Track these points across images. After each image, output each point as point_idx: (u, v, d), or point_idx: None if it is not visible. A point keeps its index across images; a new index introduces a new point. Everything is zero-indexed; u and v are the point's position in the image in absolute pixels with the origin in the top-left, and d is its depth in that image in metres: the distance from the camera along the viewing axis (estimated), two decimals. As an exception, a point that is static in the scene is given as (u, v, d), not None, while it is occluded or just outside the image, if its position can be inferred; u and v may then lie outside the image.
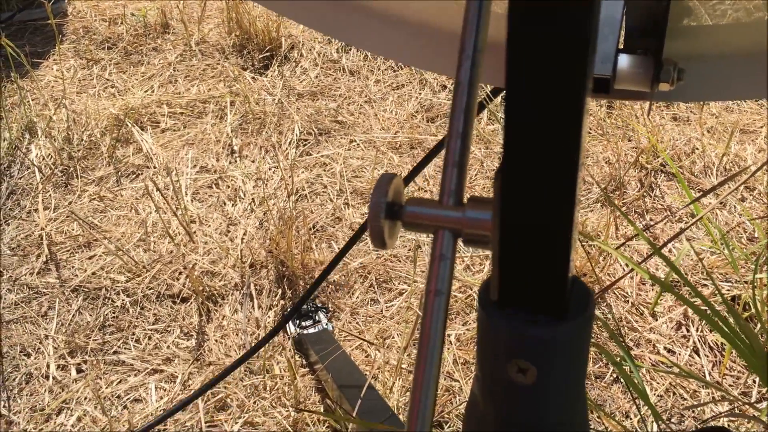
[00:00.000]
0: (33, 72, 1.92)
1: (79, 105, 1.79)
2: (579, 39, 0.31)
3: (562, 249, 0.36)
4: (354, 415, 0.90)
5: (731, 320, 0.67)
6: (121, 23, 2.18)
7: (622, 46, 0.53)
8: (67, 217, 1.46)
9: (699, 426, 0.93)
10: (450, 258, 0.41)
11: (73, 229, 1.43)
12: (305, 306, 1.25)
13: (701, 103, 1.59)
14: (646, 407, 0.93)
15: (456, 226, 0.40)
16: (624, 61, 0.53)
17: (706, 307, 0.67)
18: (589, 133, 1.56)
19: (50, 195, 1.53)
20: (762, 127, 1.59)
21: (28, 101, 1.80)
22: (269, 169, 1.58)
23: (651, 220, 1.37)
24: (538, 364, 0.38)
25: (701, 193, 1.39)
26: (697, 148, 1.52)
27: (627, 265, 1.22)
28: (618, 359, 0.76)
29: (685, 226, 1.33)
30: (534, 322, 0.38)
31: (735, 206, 1.37)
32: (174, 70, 1.96)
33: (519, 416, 0.40)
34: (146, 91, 1.87)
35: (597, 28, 0.33)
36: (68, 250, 1.38)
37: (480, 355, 0.41)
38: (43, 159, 1.63)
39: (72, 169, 1.60)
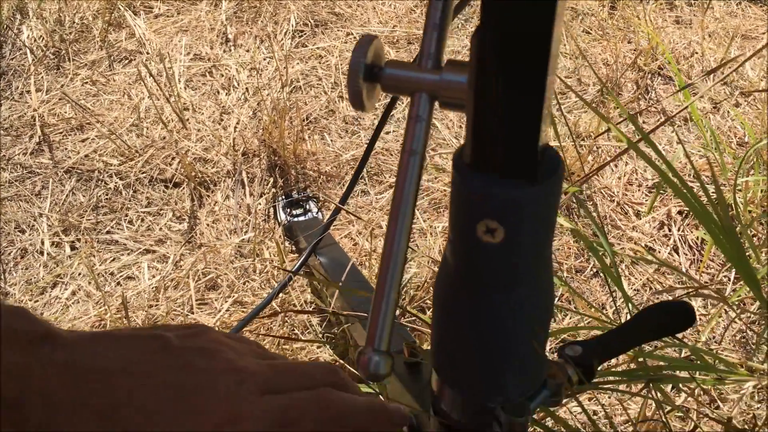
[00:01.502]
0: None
1: (71, -14, 1.75)
2: None
3: (533, 115, 0.37)
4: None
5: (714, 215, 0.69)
6: None
7: None
8: (60, 99, 1.46)
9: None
10: (426, 120, 0.42)
11: (65, 112, 1.43)
12: (296, 194, 1.27)
13: (705, 5, 1.56)
14: (622, 299, 0.96)
15: (433, 89, 0.41)
16: None
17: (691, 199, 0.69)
18: (589, 32, 1.54)
19: (42, 77, 1.52)
20: (764, 33, 1.56)
21: (18, -19, 1.75)
22: (264, 59, 1.56)
23: (644, 122, 1.37)
24: (506, 224, 0.40)
25: (695, 95, 1.38)
26: (696, 52, 1.50)
27: (614, 161, 1.24)
28: (600, 253, 0.79)
29: (677, 128, 1.34)
30: (504, 184, 0.39)
31: (729, 111, 1.37)
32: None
33: (486, 275, 0.42)
34: (139, -25, 1.81)
35: None
36: (61, 132, 1.39)
37: (452, 218, 0.43)
38: (35, 41, 1.61)
39: (64, 51, 1.58)
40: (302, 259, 0.98)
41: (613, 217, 1.19)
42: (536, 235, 0.41)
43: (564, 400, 0.66)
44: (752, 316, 0.99)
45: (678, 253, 1.13)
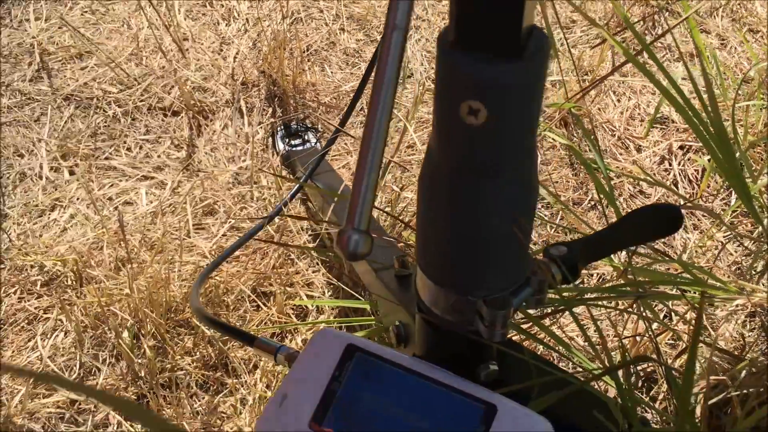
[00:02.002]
0: None
1: None
2: None
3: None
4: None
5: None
6: None
7: None
8: (59, 27, 1.44)
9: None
10: (399, 26, 0.41)
11: (64, 40, 1.41)
12: (295, 125, 1.26)
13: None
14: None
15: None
16: None
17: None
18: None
19: (41, 5, 1.50)
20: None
21: None
22: (265, -10, 1.54)
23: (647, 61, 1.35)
24: (489, 104, 0.39)
25: (703, 31, 1.36)
26: (706, -11, 1.47)
27: (616, 96, 1.22)
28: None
29: (674, 68, 1.32)
30: (486, 62, 0.39)
31: (736, 47, 1.34)
32: None
33: (468, 159, 0.42)
34: None
35: None
36: (60, 60, 1.38)
37: (436, 102, 0.42)
38: (33, -31, 1.58)
39: (63, -20, 1.56)
40: (295, 188, 0.98)
41: (613, 151, 1.18)
42: (520, 118, 0.41)
43: (555, 313, 0.66)
44: (745, 240, 0.99)
45: (677, 187, 1.12)
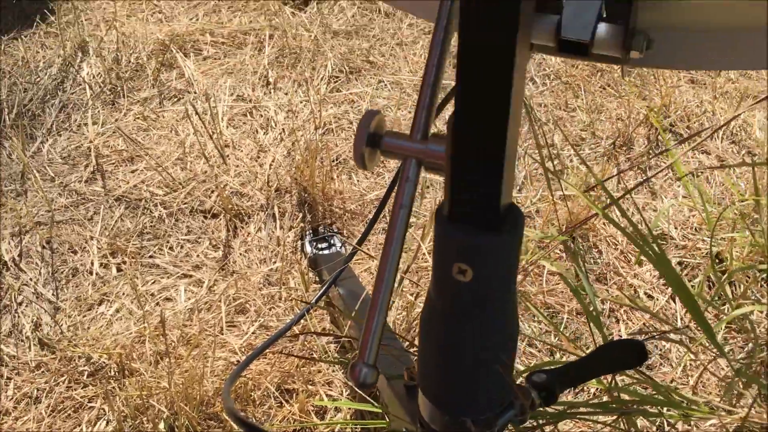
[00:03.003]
0: (87, -6, 2.03)
1: (129, 28, 1.91)
2: (506, 46, 0.41)
3: (495, 180, 0.47)
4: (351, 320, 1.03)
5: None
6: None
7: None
8: (114, 132, 1.60)
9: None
10: (414, 181, 0.52)
11: (118, 145, 1.57)
12: (322, 230, 1.37)
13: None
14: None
15: (420, 156, 0.51)
16: (601, 29, 0.61)
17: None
18: (604, 89, 1.63)
19: (99, 111, 1.67)
20: (775, 95, 1.64)
21: (82, 21, 1.92)
22: (300, 102, 1.69)
23: (652, 178, 1.45)
24: (474, 266, 0.50)
25: (703, 152, 1.46)
26: (707, 111, 1.58)
27: (608, 221, 1.32)
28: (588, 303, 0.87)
29: (683, 183, 1.42)
30: (473, 234, 0.49)
31: (734, 169, 1.44)
32: (218, 0, 2.06)
33: (458, 307, 0.52)
34: (191, 19, 1.97)
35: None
36: (113, 163, 1.52)
37: (434, 261, 0.53)
38: (93, 77, 1.76)
39: (119, 88, 1.73)
40: (323, 290, 1.08)
41: (615, 264, 1.27)
42: (500, 276, 0.51)
43: (545, 425, 0.75)
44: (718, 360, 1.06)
45: (675, 301, 1.20)
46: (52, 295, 1.24)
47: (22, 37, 1.89)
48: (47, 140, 1.58)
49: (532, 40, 0.60)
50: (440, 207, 0.51)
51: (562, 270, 1.01)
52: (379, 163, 1.51)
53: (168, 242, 1.35)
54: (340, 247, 1.34)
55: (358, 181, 1.49)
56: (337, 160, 1.53)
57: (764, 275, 1.10)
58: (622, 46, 0.61)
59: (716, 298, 1.18)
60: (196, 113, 1.60)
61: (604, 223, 1.34)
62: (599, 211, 0.77)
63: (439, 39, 0.51)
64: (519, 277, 1.11)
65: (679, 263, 1.26)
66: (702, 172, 1.42)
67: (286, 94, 1.71)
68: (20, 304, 1.22)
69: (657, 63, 0.72)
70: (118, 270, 1.29)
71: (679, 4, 0.65)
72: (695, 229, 1.32)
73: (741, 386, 0.83)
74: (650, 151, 1.50)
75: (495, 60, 0.43)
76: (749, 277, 1.13)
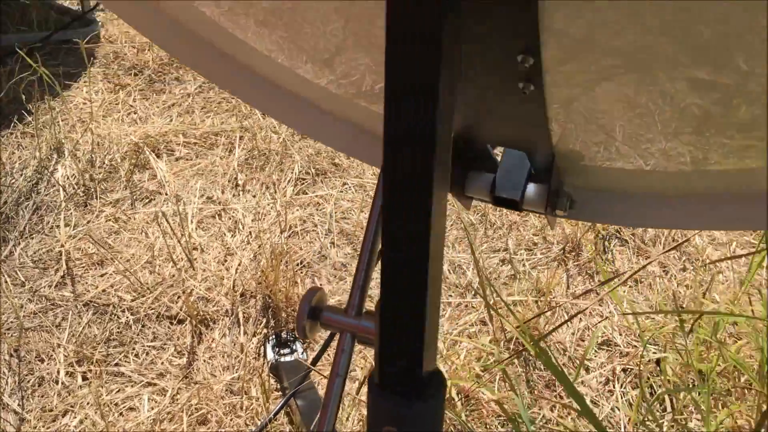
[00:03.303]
0: (64, 94, 2.11)
1: (104, 129, 1.98)
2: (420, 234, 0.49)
3: (418, 356, 0.54)
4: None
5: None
6: (148, 50, 2.38)
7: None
8: (85, 234, 1.65)
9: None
10: (348, 352, 0.58)
11: (89, 248, 1.62)
12: (285, 335, 1.42)
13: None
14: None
15: (354, 330, 0.58)
16: (530, 189, 0.69)
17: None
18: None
19: (71, 213, 1.72)
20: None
21: (58, 122, 1.99)
22: (268, 204, 1.76)
23: (599, 281, 1.54)
24: (402, 429, 0.56)
25: (647, 260, 1.55)
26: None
27: (568, 317, 1.39)
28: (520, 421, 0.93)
29: (630, 288, 1.50)
30: (399, 401, 0.56)
31: (675, 275, 1.53)
32: (192, 101, 2.15)
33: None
34: (166, 120, 2.05)
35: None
36: (83, 267, 1.57)
37: (367, 422, 0.59)
38: (68, 179, 1.82)
39: (92, 189, 1.79)
40: (279, 405, 1.13)
41: (564, 370, 1.33)
42: (424, 438, 0.57)
43: None
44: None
45: (619, 410, 1.27)
46: (18, 405, 1.27)
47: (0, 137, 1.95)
48: (19, 243, 1.62)
49: (468, 194, 0.68)
50: (372, 375, 0.57)
51: (498, 397, 1.07)
52: (350, 262, 1.58)
53: (134, 349, 1.39)
54: (302, 353, 1.38)
55: (321, 284, 1.55)
56: (301, 263, 1.60)
57: (696, 394, 1.17)
58: (548, 205, 0.69)
59: (650, 416, 1.25)
60: (166, 220, 1.66)
61: (552, 323, 1.41)
62: (530, 347, 0.84)
63: (372, 229, 0.58)
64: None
65: (623, 370, 1.33)
66: (646, 278, 1.51)
67: (254, 196, 1.79)
68: (-15, 415, 1.25)
69: (583, 218, 0.81)
70: (84, 379, 1.32)
71: (596, 169, 0.74)
72: (638, 335, 1.39)
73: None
74: (598, 257, 1.59)
75: (412, 262, 0.50)
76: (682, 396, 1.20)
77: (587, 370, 1.34)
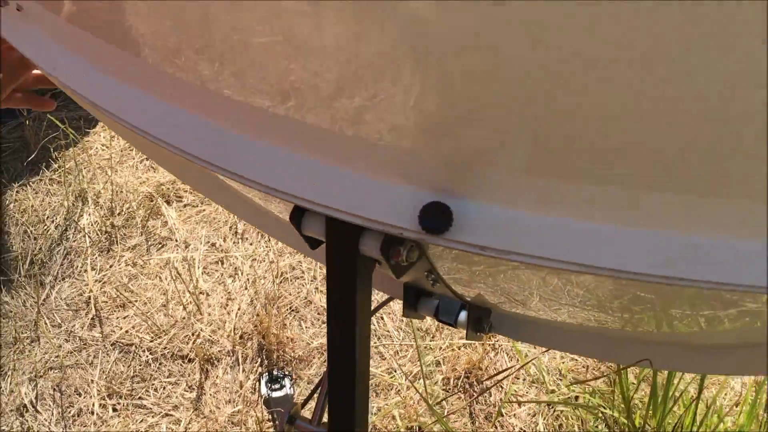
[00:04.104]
0: (83, 140, 2.41)
1: (120, 177, 2.29)
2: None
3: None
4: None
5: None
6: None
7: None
8: (109, 278, 1.96)
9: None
10: (310, 449, 0.90)
11: (112, 291, 1.93)
12: (276, 372, 1.75)
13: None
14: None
15: (313, 436, 0.90)
16: (462, 315, 0.99)
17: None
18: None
19: (96, 257, 2.03)
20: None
21: (81, 171, 2.30)
22: (263, 251, 2.07)
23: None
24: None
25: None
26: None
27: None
28: None
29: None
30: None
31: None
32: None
33: None
34: (174, 168, 2.35)
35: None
36: (109, 309, 1.89)
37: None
38: (92, 225, 2.13)
39: (114, 236, 2.10)
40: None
41: (499, 403, 1.66)
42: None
43: None
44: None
45: (540, 440, 1.59)
46: (62, 433, 1.59)
47: (30, 184, 2.26)
48: (54, 287, 1.94)
49: (420, 312, 0.99)
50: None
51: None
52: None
53: (153, 384, 1.71)
54: (290, 388, 1.71)
55: (306, 328, 1.87)
56: (290, 307, 1.92)
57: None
58: (473, 328, 1.00)
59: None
60: (176, 269, 1.97)
61: (495, 367, 1.73)
62: (440, 419, 1.16)
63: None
64: None
65: (548, 405, 1.66)
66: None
67: (251, 244, 2.10)
68: (38, 441, 1.57)
69: (500, 333, 1.13)
70: (114, 410, 1.65)
71: (501, 312, 1.04)
72: (562, 374, 1.71)
73: None
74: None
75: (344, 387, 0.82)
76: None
77: (519, 405, 1.67)
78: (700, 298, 0.61)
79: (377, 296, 1.40)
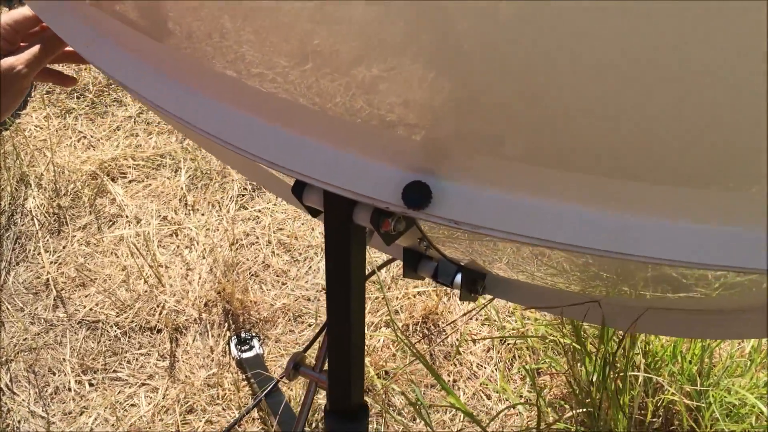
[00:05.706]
0: (15, 122, 2.38)
1: (61, 157, 2.28)
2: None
3: (347, 395, 0.96)
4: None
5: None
6: (86, 70, 2.64)
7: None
8: (65, 258, 1.98)
9: None
10: (312, 393, 1.00)
11: (70, 272, 1.96)
12: (244, 334, 1.83)
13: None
14: None
15: (316, 380, 1.00)
16: (458, 277, 1.10)
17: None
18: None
19: (48, 240, 2.04)
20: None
21: (19, 154, 2.27)
22: (215, 221, 2.13)
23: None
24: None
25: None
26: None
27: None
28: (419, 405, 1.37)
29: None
30: (339, 422, 0.99)
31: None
32: (134, 123, 2.45)
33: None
34: (114, 145, 2.36)
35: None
36: (70, 289, 1.91)
37: None
38: (38, 208, 2.13)
39: (62, 217, 2.11)
40: (251, 406, 1.54)
41: (456, 343, 1.80)
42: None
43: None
44: None
45: (498, 370, 1.75)
46: (43, 411, 1.64)
47: (-33, 171, 2.22)
48: (10, 272, 1.95)
49: (420, 274, 1.09)
50: (326, 405, 1.00)
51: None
52: (288, 268, 1.97)
53: (125, 357, 1.77)
54: (259, 348, 1.80)
55: (267, 290, 1.95)
56: (249, 272, 1.99)
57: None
58: (467, 289, 1.11)
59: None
60: (136, 248, 2.01)
61: (449, 311, 1.87)
62: (425, 363, 1.28)
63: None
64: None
65: (501, 340, 1.81)
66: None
67: (203, 215, 2.15)
68: (19, 421, 1.61)
69: (493, 295, 1.24)
70: (90, 385, 1.70)
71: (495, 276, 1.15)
72: (511, 311, 1.87)
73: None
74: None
75: (343, 341, 0.92)
76: None
77: (474, 342, 1.82)
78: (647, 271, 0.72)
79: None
